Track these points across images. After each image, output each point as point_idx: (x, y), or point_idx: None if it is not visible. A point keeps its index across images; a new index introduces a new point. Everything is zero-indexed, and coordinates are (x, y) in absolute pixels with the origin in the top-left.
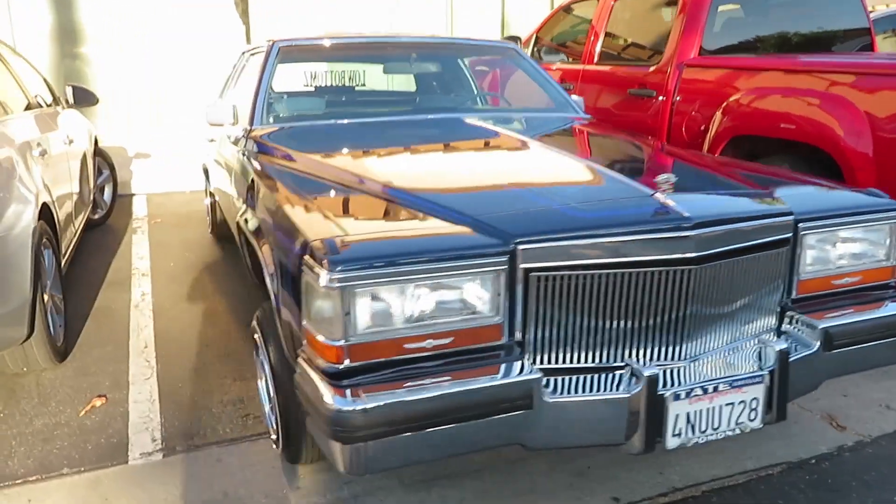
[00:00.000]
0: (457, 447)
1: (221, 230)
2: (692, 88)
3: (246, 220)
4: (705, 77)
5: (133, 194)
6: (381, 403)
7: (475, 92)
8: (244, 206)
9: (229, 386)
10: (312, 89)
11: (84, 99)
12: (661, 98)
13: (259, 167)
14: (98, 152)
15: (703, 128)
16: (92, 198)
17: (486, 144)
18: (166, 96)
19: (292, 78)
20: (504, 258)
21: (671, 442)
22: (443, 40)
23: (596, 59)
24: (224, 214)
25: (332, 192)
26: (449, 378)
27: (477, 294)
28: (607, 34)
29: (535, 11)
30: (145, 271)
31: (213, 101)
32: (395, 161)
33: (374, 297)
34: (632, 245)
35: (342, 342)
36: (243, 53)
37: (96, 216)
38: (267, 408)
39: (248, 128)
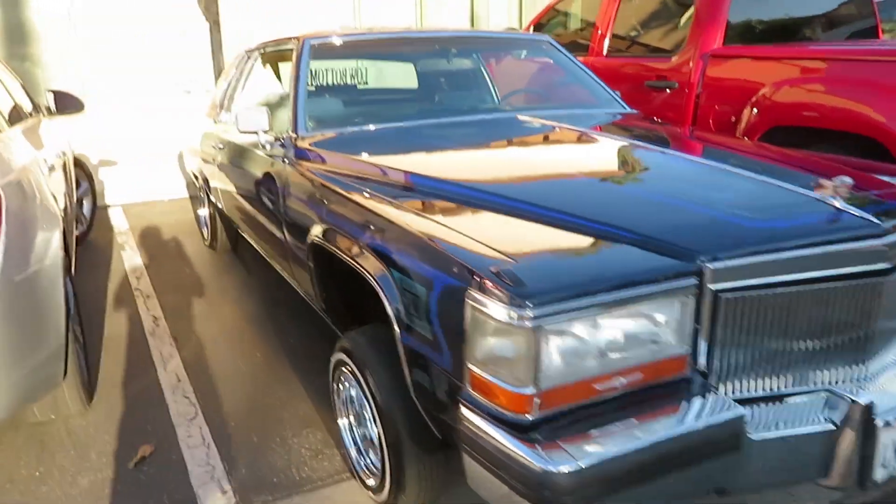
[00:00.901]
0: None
1: (224, 243)
2: (718, 79)
3: (308, 238)
4: (733, 67)
5: (107, 206)
6: (596, 462)
7: (509, 87)
8: (299, 221)
9: (287, 421)
10: (348, 89)
11: (68, 106)
12: (682, 89)
13: (327, 179)
14: (75, 162)
15: (732, 119)
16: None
17: (583, 148)
18: (129, 99)
19: (323, 77)
20: (693, 280)
21: (879, 474)
22: (478, 34)
23: (605, 52)
24: (240, 227)
25: (464, 211)
26: (638, 421)
27: (665, 321)
28: (616, 26)
29: (502, 3)
30: (148, 292)
31: (243, 106)
32: (500, 171)
33: (565, 334)
34: (824, 257)
35: (531, 389)
36: (246, 53)
37: (77, 231)
38: (353, 451)
39: (293, 135)
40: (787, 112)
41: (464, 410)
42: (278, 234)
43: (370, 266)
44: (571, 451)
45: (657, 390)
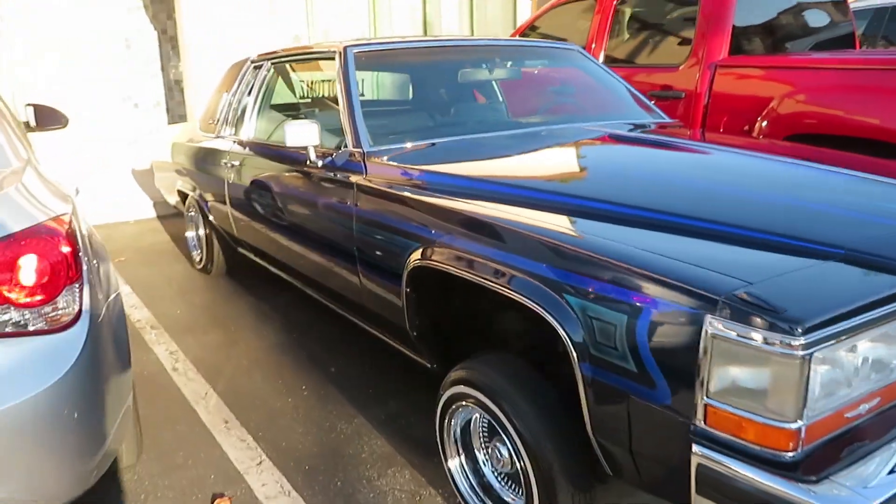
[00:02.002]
0: None
1: (220, 266)
2: (728, 88)
3: (404, 263)
4: (742, 77)
5: None
6: (885, 497)
7: (549, 97)
8: (384, 245)
9: (366, 461)
10: (396, 100)
11: (50, 121)
12: (690, 99)
13: (432, 196)
14: None
15: (745, 128)
16: None
17: (685, 157)
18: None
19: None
20: None
21: None
22: (517, 43)
23: (601, 62)
24: (262, 251)
25: (633, 229)
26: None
27: None
28: (611, 37)
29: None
30: (152, 323)
31: (291, 122)
32: (626, 184)
33: (829, 360)
34: None
35: (796, 423)
36: (251, 63)
37: None
38: (469, 492)
39: (357, 150)
40: (807, 120)
41: (696, 448)
42: (340, 258)
43: (530, 292)
44: (854, 487)
45: (891, 412)
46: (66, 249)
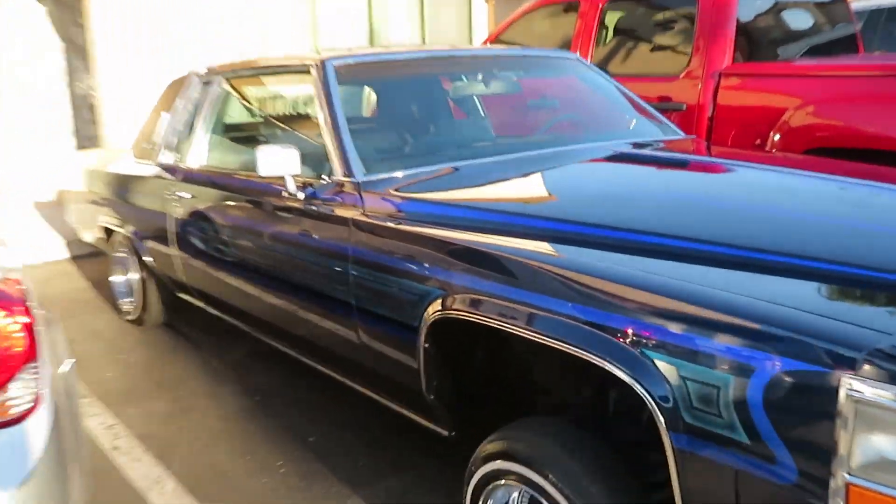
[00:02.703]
0: None
1: (156, 316)
2: (735, 99)
3: (420, 314)
4: (751, 85)
5: None
6: None
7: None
8: (393, 293)
9: None
10: (386, 119)
11: None
12: (692, 112)
13: (454, 234)
14: None
15: (757, 142)
16: None
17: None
18: None
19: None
20: None
21: None
22: (517, 53)
23: None
24: (220, 300)
25: (709, 268)
26: None
27: None
28: (597, 42)
29: (401, 18)
30: (83, 393)
31: (263, 147)
32: (680, 213)
33: None
34: None
35: None
36: (198, 78)
37: None
38: None
39: (355, 180)
40: (819, 134)
41: None
42: (330, 309)
43: (600, 348)
44: None
45: None
46: (22, 320)
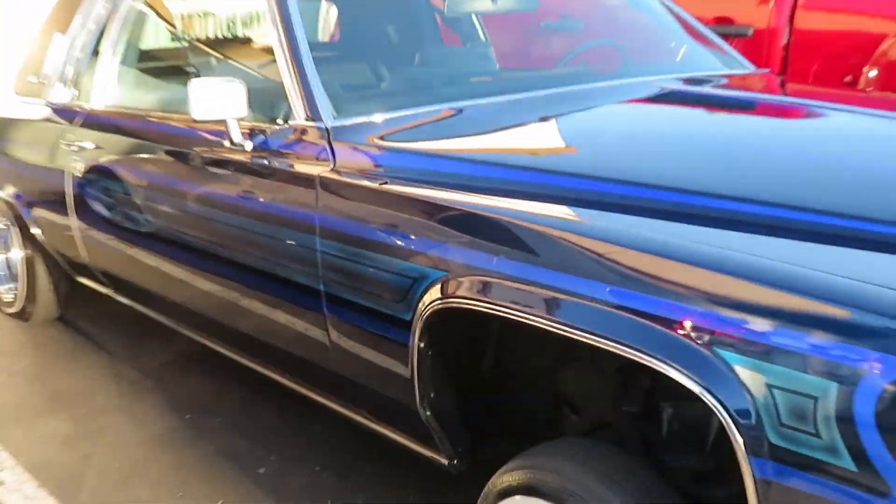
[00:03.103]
0: None
1: (47, 308)
2: (819, 22)
3: (415, 305)
4: (837, 7)
5: None
6: None
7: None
8: (379, 276)
9: None
10: (355, 44)
11: None
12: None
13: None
14: None
15: (847, 79)
16: None
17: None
18: None
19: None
20: None
21: None
22: None
23: None
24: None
25: (809, 241)
26: None
27: None
28: None
29: None
30: None
31: (198, 81)
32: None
33: None
34: None
35: None
36: None
37: None
38: None
39: (323, 125)
40: None
41: None
42: (290, 298)
43: (657, 346)
44: None
45: None
46: None
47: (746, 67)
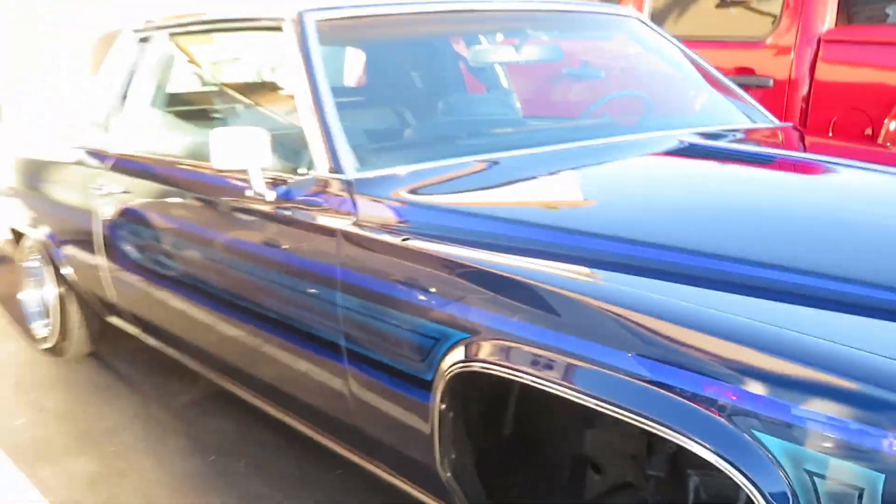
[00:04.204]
0: None
1: (80, 343)
2: (840, 74)
3: (436, 364)
4: (859, 57)
5: None
6: None
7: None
8: (398, 334)
9: None
10: (377, 91)
11: None
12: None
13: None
14: None
15: (869, 131)
16: None
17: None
18: None
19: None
20: None
21: None
22: (554, 8)
23: None
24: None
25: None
26: None
27: None
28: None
29: None
30: None
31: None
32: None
33: None
34: None
35: None
36: (135, 34)
37: None
38: None
39: (345, 178)
40: None
41: None
42: (310, 349)
43: (691, 426)
44: None
45: None
46: None
47: (770, 120)
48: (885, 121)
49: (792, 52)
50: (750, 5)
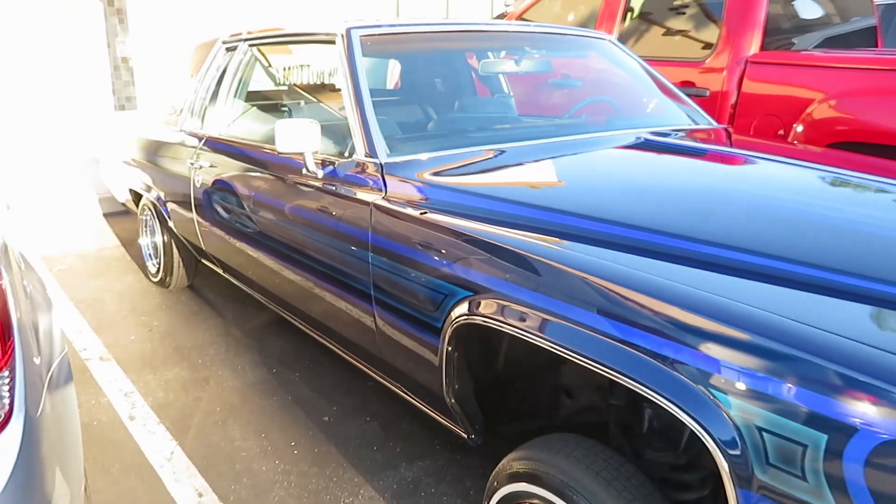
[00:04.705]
0: None
1: (180, 278)
2: (761, 88)
3: (444, 314)
4: (777, 76)
5: None
6: None
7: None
8: (414, 287)
9: None
10: (408, 96)
11: None
12: (714, 99)
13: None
14: None
15: (780, 132)
16: None
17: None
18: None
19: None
20: None
21: None
22: (547, 30)
23: None
24: (239, 272)
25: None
26: None
27: None
28: (623, 26)
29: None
30: (102, 354)
31: (284, 121)
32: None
33: None
34: None
35: None
36: (223, 44)
37: None
38: None
39: (377, 161)
40: (858, 127)
41: None
42: (347, 293)
43: (654, 380)
44: None
45: None
46: None
47: (708, 122)
48: (794, 125)
49: (724, 70)
50: (694, 34)
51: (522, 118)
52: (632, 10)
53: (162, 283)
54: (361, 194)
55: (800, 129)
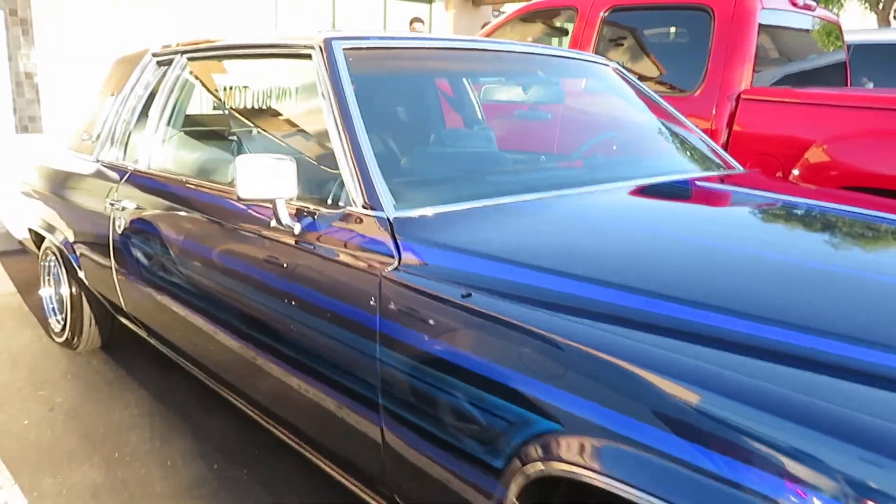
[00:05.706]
0: None
1: (91, 338)
2: (754, 126)
3: (499, 448)
4: (772, 113)
5: None
6: None
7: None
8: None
9: None
10: (407, 127)
11: None
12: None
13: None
14: None
15: (777, 174)
16: None
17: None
18: None
19: None
20: None
21: None
22: (551, 53)
23: None
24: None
25: None
26: None
27: None
28: (597, 53)
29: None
30: None
31: (250, 160)
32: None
33: None
34: None
35: None
36: (154, 58)
37: None
38: None
39: (384, 216)
40: (860, 172)
41: None
42: (338, 393)
43: None
44: None
45: None
46: None
47: (738, 167)
48: (801, 159)
49: (714, 107)
50: (676, 67)
51: (546, 157)
52: (605, 39)
53: (68, 344)
54: (360, 260)
55: (801, 168)
